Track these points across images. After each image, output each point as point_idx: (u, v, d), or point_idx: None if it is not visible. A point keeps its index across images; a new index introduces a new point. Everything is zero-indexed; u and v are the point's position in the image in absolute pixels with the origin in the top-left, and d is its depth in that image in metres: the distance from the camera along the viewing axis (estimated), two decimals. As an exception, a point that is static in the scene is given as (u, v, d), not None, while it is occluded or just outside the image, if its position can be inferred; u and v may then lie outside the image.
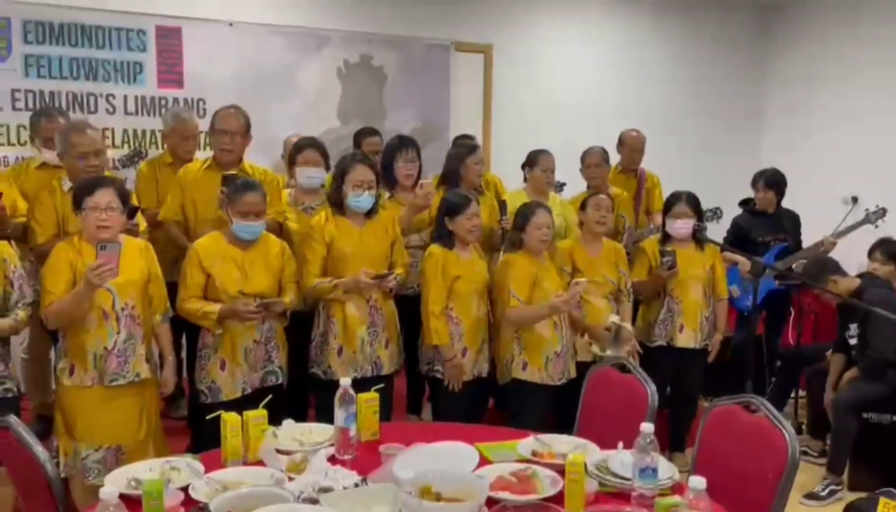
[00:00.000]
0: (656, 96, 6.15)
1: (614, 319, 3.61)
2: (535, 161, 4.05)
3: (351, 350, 3.25)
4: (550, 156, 4.06)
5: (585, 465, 2.00)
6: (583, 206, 3.76)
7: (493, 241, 3.88)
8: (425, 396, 3.99)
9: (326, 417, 2.64)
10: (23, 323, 2.81)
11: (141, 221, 3.30)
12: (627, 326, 3.62)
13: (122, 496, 1.75)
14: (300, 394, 3.52)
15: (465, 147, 4.03)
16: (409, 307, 3.50)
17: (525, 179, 4.14)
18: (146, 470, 2.10)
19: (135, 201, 3.21)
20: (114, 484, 1.93)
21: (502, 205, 3.88)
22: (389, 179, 3.73)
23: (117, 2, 4.51)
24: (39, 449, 2.04)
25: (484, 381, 3.48)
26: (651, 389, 2.59)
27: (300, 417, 2.78)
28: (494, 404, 3.88)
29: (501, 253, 3.86)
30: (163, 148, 4.49)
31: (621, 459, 2.08)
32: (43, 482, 2.03)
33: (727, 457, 2.24)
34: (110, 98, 4.53)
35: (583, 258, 3.67)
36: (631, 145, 4.61)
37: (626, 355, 3.40)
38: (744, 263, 4.30)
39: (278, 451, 2.23)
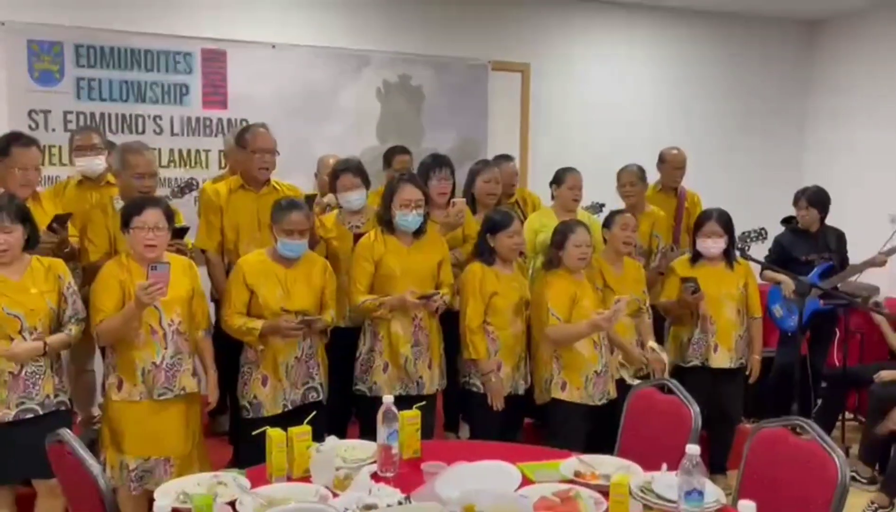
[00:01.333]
0: (696, 114, 6.11)
1: (653, 345, 3.60)
2: (562, 179, 4.05)
3: (395, 368, 3.28)
4: (577, 174, 4.05)
5: (630, 486, 1.99)
6: (607, 224, 3.73)
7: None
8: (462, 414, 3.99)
9: (371, 433, 2.67)
10: (75, 338, 2.88)
11: (189, 241, 3.37)
12: (663, 355, 3.62)
13: (173, 510, 1.79)
14: (341, 410, 3.54)
15: (481, 163, 4.08)
16: (445, 324, 3.51)
17: (553, 197, 4.15)
18: (194, 484, 2.14)
19: (180, 221, 3.29)
20: (164, 498, 1.98)
21: None
22: None
23: (165, 26, 4.65)
24: (92, 463, 2.09)
25: (520, 399, 3.47)
26: (694, 410, 2.56)
27: (340, 433, 2.80)
28: (532, 423, 3.87)
29: (530, 271, 3.87)
30: (206, 166, 4.62)
31: (666, 481, 2.06)
32: (95, 496, 2.07)
33: (774, 481, 2.20)
34: (157, 119, 4.67)
35: (611, 276, 3.65)
36: (671, 163, 4.58)
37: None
38: (787, 283, 4.23)
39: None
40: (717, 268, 3.82)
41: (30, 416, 2.73)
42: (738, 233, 3.96)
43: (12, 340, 2.70)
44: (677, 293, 3.83)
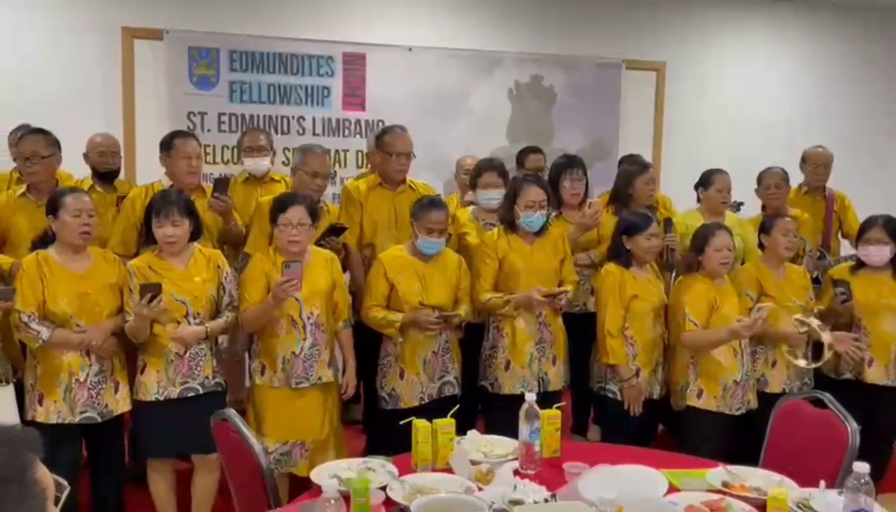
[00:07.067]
0: (841, 114, 5.75)
1: (798, 316, 3.38)
2: (709, 180, 3.94)
3: (518, 365, 3.30)
4: (726, 175, 3.94)
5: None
6: (766, 230, 3.58)
7: (659, 260, 3.81)
8: (591, 417, 3.95)
9: (493, 429, 2.71)
10: (231, 324, 3.09)
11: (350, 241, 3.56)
12: (814, 321, 3.33)
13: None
14: (469, 405, 3.59)
15: (635, 165, 3.99)
16: (575, 325, 3.50)
17: (699, 199, 4.03)
18: (345, 468, 2.24)
19: (345, 221, 3.50)
20: (318, 480, 2.08)
21: (667, 222, 3.81)
22: (555, 198, 3.77)
23: (309, 32, 4.88)
24: (254, 441, 2.23)
25: (655, 404, 3.40)
26: (852, 426, 2.43)
27: (469, 426, 2.85)
28: (666, 430, 3.78)
29: (674, 274, 3.78)
30: (345, 166, 4.82)
31: (826, 499, 1.97)
32: (255, 472, 2.21)
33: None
34: (300, 120, 4.90)
35: (771, 282, 3.50)
36: (814, 161, 4.36)
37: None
38: None
39: (461, 460, 2.30)
40: (879, 276, 3.58)
41: (191, 394, 2.94)
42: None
43: (178, 323, 2.93)
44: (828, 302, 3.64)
